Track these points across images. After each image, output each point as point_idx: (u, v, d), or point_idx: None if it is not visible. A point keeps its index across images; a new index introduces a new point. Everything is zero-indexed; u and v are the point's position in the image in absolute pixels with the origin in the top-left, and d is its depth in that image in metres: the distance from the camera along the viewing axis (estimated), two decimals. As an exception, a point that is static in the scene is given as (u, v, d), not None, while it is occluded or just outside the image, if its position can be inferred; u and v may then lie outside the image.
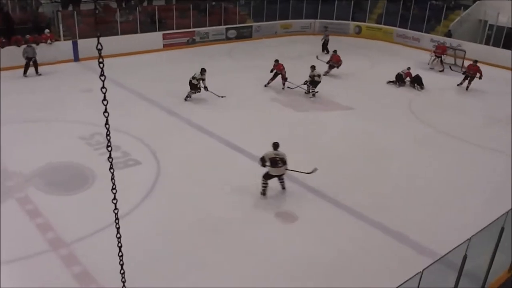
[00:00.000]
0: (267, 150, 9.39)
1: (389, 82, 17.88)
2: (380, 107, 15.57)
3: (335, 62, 18.65)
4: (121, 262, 3.72)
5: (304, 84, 16.17)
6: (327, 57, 19.57)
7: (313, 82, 15.98)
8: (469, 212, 9.45)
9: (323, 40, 22.97)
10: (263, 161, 9.30)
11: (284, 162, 9.38)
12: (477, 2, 25.12)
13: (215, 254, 7.83)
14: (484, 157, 12.29)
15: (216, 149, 11.87)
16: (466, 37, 23.76)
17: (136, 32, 20.88)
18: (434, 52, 21.14)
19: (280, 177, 9.64)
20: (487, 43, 23.15)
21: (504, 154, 12.39)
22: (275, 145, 9.43)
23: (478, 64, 17.71)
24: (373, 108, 15.44)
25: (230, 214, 9.02)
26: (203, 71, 14.91)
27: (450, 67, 18.84)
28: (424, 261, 6.57)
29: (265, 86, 16.72)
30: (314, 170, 9.90)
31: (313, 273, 7.53)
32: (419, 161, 11.83)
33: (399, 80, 17.77)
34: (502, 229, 6.42)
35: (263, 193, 9.55)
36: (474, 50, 21.84)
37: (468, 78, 17.65)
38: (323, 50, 22.64)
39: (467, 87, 17.68)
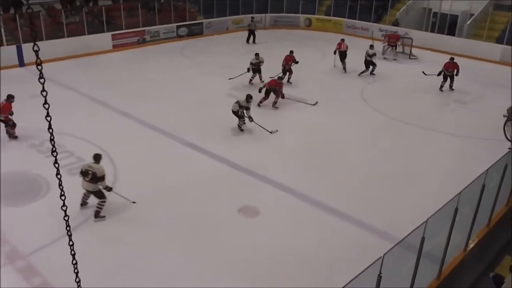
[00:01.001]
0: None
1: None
2: (335, 98, 15.80)
3: (286, 63, 16.98)
4: (76, 271, 3.61)
5: (248, 71, 16.47)
6: (250, 47, 19.91)
7: (258, 69, 16.42)
8: (424, 195, 9.73)
9: (248, 30, 23.66)
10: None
11: (95, 177, 8.26)
12: (421, -9, 25.87)
13: (179, 255, 7.76)
14: (436, 140, 12.70)
15: (172, 148, 11.74)
16: (413, 25, 24.42)
17: (83, 34, 20.27)
18: (387, 41, 21.59)
19: (91, 194, 8.61)
20: (432, 31, 23.87)
21: (454, 137, 12.86)
22: (95, 157, 8.49)
23: (456, 61, 16.53)
24: (328, 99, 15.63)
25: (191, 212, 8.96)
26: (248, 98, 12.60)
27: (423, 72, 17.61)
28: (384, 246, 6.73)
29: (259, 105, 14.55)
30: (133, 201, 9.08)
31: (279, 265, 7.59)
32: (375, 148, 12.09)
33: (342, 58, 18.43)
34: (456, 210, 6.65)
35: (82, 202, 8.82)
36: (421, 37, 22.54)
37: (448, 78, 16.48)
38: (247, 41, 23.51)
39: (450, 86, 16.61)
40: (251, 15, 25.31)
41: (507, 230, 8.71)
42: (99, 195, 8.52)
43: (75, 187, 9.32)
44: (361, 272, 4.83)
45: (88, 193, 8.69)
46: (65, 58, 18.79)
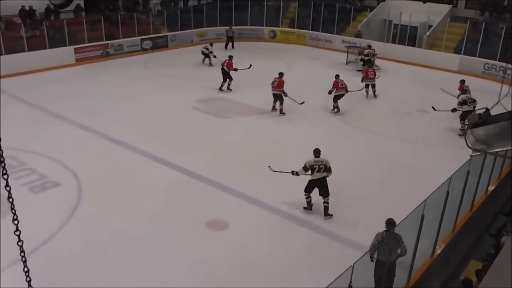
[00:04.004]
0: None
1: None
2: (298, 108, 15.86)
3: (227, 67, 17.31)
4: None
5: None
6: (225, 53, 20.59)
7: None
8: (389, 203, 9.85)
9: (226, 37, 25.07)
10: None
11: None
12: (381, 3, 26.47)
13: (152, 271, 7.60)
14: (399, 147, 12.93)
15: (136, 161, 11.55)
16: (374, 36, 24.98)
17: (44, 48, 19.84)
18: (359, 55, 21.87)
19: None
20: (393, 41, 24.46)
21: (417, 144, 13.12)
22: None
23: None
24: (292, 108, 15.69)
25: (158, 227, 8.81)
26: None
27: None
28: (351, 253, 6.78)
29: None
30: None
31: (250, 277, 7.53)
32: (336, 156, 12.09)
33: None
34: (423, 217, 6.76)
35: None
36: (382, 48, 23.01)
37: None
38: (226, 47, 24.65)
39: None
40: (226, 27, 25.97)
41: (471, 235, 8.93)
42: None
43: (37, 206, 9.08)
44: (333, 282, 4.84)
45: None
46: (26, 72, 18.31)
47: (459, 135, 13.54)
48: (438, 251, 8.12)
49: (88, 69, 20.33)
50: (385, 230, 6.76)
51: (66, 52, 20.46)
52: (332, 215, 9.31)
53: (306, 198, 9.48)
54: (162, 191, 10.12)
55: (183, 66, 21.13)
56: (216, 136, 13.28)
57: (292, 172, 9.42)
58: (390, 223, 6.75)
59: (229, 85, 17.49)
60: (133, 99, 16.16)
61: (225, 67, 17.21)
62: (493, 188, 10.48)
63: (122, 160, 11.62)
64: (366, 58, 20.30)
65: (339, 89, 15.22)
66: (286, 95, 14.77)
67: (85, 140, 12.72)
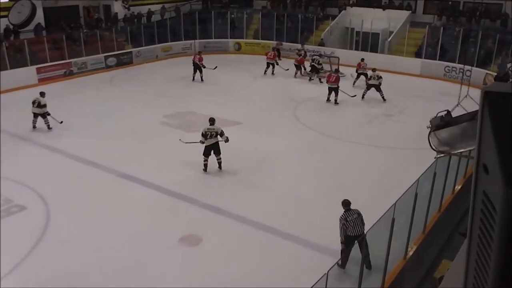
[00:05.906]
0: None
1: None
2: (267, 118, 15.96)
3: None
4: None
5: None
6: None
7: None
8: (360, 207, 9.95)
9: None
10: None
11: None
12: (342, 12, 26.97)
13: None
14: (366, 153, 13.12)
15: (107, 181, 11.36)
16: (337, 44, 25.41)
17: (5, 69, 19.40)
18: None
19: None
20: (356, 48, 24.92)
21: (383, 149, 13.34)
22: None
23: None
24: (260, 119, 15.78)
25: (132, 250, 8.67)
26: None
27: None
28: (326, 260, 6.82)
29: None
30: None
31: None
32: (308, 165, 12.28)
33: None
34: (393, 220, 6.87)
35: None
36: (346, 55, 23.41)
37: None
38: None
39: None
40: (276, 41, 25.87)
41: (442, 235, 9.11)
42: None
43: (5, 230, 8.83)
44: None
45: None
46: (-14, 95, 17.88)
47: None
48: (411, 253, 8.25)
49: (51, 88, 19.83)
50: (344, 211, 7.70)
51: (28, 72, 20.05)
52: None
53: (204, 161, 11.40)
54: (136, 210, 9.94)
55: (149, 81, 20.99)
56: (188, 151, 13.17)
57: (200, 141, 11.25)
58: (346, 203, 7.80)
59: (201, 76, 20.15)
60: (101, 117, 15.90)
61: (197, 61, 20.15)
62: (459, 187, 10.72)
63: (92, 180, 11.37)
64: (319, 66, 21.14)
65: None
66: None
67: (54, 162, 12.44)
